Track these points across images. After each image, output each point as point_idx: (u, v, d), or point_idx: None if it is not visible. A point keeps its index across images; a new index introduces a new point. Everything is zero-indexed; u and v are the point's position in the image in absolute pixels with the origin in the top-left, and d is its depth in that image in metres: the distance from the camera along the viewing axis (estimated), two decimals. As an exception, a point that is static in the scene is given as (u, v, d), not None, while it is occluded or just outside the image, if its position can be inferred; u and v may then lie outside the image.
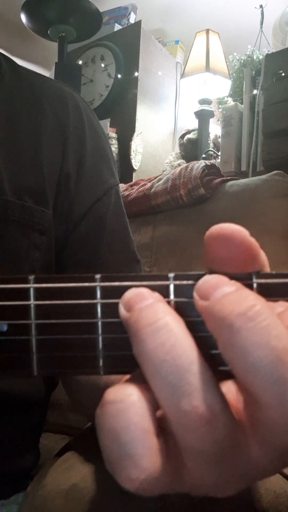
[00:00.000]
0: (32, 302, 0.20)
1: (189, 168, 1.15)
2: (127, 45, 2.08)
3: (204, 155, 1.76)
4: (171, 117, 2.26)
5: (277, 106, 1.43)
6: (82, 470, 0.31)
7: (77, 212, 0.48)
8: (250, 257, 0.19)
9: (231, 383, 0.20)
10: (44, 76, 0.53)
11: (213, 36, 1.90)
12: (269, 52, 1.65)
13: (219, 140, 1.70)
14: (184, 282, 0.19)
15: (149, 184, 1.22)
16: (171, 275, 0.19)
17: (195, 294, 0.18)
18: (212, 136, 1.90)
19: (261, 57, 1.66)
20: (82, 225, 0.48)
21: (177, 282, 0.19)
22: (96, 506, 0.29)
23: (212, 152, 1.78)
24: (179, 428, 0.17)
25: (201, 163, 1.15)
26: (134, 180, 1.51)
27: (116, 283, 0.19)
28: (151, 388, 0.17)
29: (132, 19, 2.33)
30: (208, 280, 0.18)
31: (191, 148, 1.89)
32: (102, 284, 0.20)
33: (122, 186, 1.32)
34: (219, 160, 1.67)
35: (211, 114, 1.88)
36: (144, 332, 0.17)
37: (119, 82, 2.05)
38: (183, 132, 1.99)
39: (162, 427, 0.18)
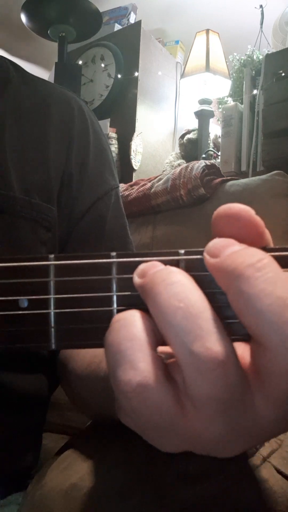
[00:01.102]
0: (51, 278, 0.21)
1: (189, 168, 1.15)
2: (127, 45, 2.08)
3: (204, 155, 1.76)
4: (171, 117, 2.26)
5: (277, 106, 1.43)
6: (81, 469, 0.31)
7: (78, 210, 0.50)
8: (256, 234, 0.21)
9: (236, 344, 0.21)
10: (50, 82, 0.55)
11: (213, 36, 1.90)
12: (269, 52, 1.65)
13: (219, 140, 1.70)
14: (194, 256, 0.20)
15: (149, 184, 1.22)
16: (182, 251, 0.20)
17: (205, 254, 0.20)
18: (212, 136, 1.90)
19: (261, 57, 1.66)
20: (83, 222, 0.50)
21: (187, 257, 0.20)
22: (96, 505, 0.29)
23: (212, 152, 1.78)
24: (192, 371, 0.18)
25: (201, 163, 1.15)
26: (134, 180, 1.51)
27: (130, 259, 0.21)
28: (166, 338, 0.19)
29: (132, 19, 2.33)
30: (218, 241, 0.20)
31: (191, 148, 1.89)
32: (117, 260, 0.21)
33: (122, 186, 1.32)
34: (219, 160, 1.67)
35: (211, 114, 1.88)
36: (159, 286, 0.19)
37: (119, 82, 2.05)
38: (183, 132, 1.99)
39: (170, 374, 0.19)
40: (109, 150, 0.57)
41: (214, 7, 2.38)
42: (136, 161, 1.94)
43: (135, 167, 1.95)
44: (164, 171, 1.74)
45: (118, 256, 0.21)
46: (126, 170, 1.95)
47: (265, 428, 0.20)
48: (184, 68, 1.97)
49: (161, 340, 0.20)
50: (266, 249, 0.20)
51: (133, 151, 1.93)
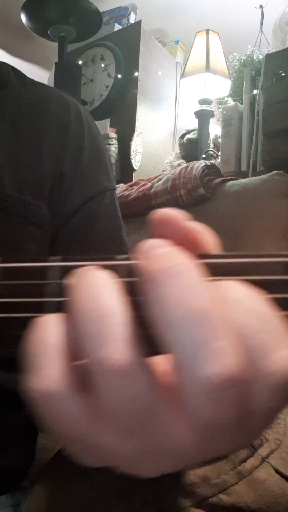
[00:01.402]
0: None
1: (189, 168, 1.15)
2: (127, 45, 2.08)
3: (204, 155, 1.76)
4: (171, 117, 2.26)
5: (277, 106, 1.43)
6: (80, 471, 0.31)
7: (69, 208, 0.51)
8: (189, 241, 0.20)
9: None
10: (49, 86, 0.57)
11: (213, 36, 1.90)
12: (269, 52, 1.65)
13: (219, 140, 1.70)
14: (127, 262, 0.19)
15: (149, 184, 1.22)
16: (119, 256, 0.19)
17: (138, 272, 0.18)
18: (212, 136, 1.90)
19: (261, 57, 1.66)
20: (73, 220, 0.51)
21: (120, 262, 0.19)
22: (95, 506, 0.29)
23: (212, 152, 1.78)
24: (97, 378, 0.17)
25: (201, 163, 1.15)
26: (134, 180, 1.51)
27: (65, 263, 0.19)
28: (77, 342, 0.18)
29: (132, 19, 2.33)
30: (149, 242, 0.18)
31: (191, 148, 1.89)
32: (61, 264, 0.20)
33: (122, 186, 1.32)
34: (219, 160, 1.67)
35: (211, 114, 1.88)
36: (76, 286, 0.18)
37: (119, 82, 2.05)
38: (183, 132, 1.99)
39: (84, 384, 0.18)
40: (106, 153, 0.58)
41: (214, 7, 2.38)
42: (136, 161, 1.94)
43: (135, 167, 1.95)
44: (164, 171, 1.74)
45: (62, 260, 0.20)
46: (126, 170, 1.95)
47: (186, 452, 0.18)
48: (184, 68, 1.97)
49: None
50: (201, 255, 0.19)
51: (133, 151, 1.93)
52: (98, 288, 0.18)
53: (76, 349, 0.18)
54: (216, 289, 0.17)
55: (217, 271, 0.18)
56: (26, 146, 0.48)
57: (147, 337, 0.17)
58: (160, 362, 0.19)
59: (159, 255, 0.17)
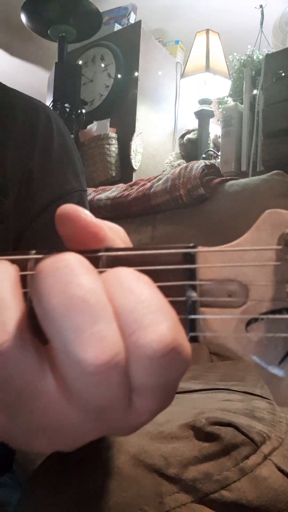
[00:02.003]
0: None
1: (189, 168, 1.16)
2: (127, 45, 2.08)
3: (204, 155, 1.76)
4: (171, 117, 2.26)
5: (277, 106, 1.43)
6: (70, 468, 0.31)
7: (37, 206, 0.52)
8: (90, 235, 0.21)
9: None
10: (20, 92, 0.59)
11: (213, 36, 1.90)
12: (269, 52, 1.65)
13: (219, 140, 1.71)
14: (40, 256, 0.20)
15: (149, 184, 1.22)
16: (33, 251, 0.21)
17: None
18: (212, 136, 1.90)
19: (261, 57, 1.66)
20: (40, 219, 0.52)
21: (35, 256, 0.21)
22: (77, 505, 0.29)
23: (212, 152, 1.78)
24: None
25: (200, 163, 1.16)
26: (134, 180, 1.51)
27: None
28: None
29: (132, 19, 2.33)
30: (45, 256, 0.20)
31: (191, 148, 1.89)
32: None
33: (122, 186, 1.32)
34: (219, 160, 1.67)
35: (211, 114, 1.89)
36: None
37: (119, 82, 2.05)
38: (183, 132, 2.00)
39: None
40: (76, 155, 0.60)
41: (214, 7, 2.38)
42: (136, 161, 1.95)
43: (135, 167, 1.95)
44: (164, 171, 1.74)
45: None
46: (126, 170, 1.95)
47: (74, 430, 0.19)
48: (184, 68, 1.97)
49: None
50: (106, 249, 0.20)
51: (133, 151, 1.93)
52: None
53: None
54: (104, 278, 0.18)
55: (118, 263, 0.20)
56: None
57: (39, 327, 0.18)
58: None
59: (47, 258, 0.18)
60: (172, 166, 1.88)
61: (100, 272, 0.19)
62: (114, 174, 1.93)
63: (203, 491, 0.29)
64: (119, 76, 2.05)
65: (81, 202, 0.57)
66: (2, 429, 0.19)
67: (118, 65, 2.06)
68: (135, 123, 1.99)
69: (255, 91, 1.59)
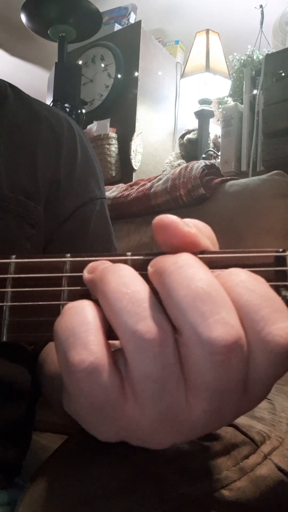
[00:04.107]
0: (9, 275, 0.23)
1: (189, 168, 1.16)
2: (127, 45, 2.08)
3: (204, 155, 1.76)
4: (171, 117, 2.26)
5: (277, 106, 1.43)
6: (83, 466, 0.31)
7: (63, 212, 0.55)
8: (188, 243, 0.22)
9: None
10: (43, 102, 0.61)
11: (213, 36, 1.90)
12: (269, 52, 1.65)
13: (219, 140, 1.70)
14: (139, 257, 0.23)
15: (149, 184, 1.22)
16: (129, 253, 0.23)
17: (149, 267, 0.22)
18: (212, 136, 1.90)
19: (261, 57, 1.66)
20: (67, 224, 0.55)
21: (134, 257, 0.23)
22: (97, 500, 0.29)
23: (212, 152, 1.78)
24: (133, 350, 0.20)
25: (200, 163, 1.16)
26: (134, 180, 1.51)
27: (80, 259, 0.23)
28: (112, 323, 0.21)
29: (132, 19, 2.33)
30: (158, 257, 0.22)
31: (191, 148, 1.89)
32: (69, 259, 0.23)
33: (122, 186, 1.32)
34: (219, 160, 1.67)
35: (211, 114, 1.89)
36: (109, 276, 0.21)
37: (119, 82, 2.05)
38: (183, 132, 1.99)
39: (116, 361, 0.21)
40: (96, 164, 0.62)
41: (214, 7, 2.38)
42: (136, 161, 1.95)
43: (135, 167, 1.95)
44: (164, 171, 1.74)
45: (71, 257, 0.23)
46: (126, 170, 1.95)
47: (196, 421, 0.21)
48: (184, 68, 1.97)
49: (108, 331, 0.21)
50: (200, 252, 0.22)
51: (133, 151, 1.93)
52: (129, 276, 0.21)
53: (107, 329, 0.21)
54: (221, 276, 0.21)
55: (213, 264, 0.22)
56: (21, 155, 0.52)
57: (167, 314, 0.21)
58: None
59: (165, 258, 0.21)
60: (172, 166, 1.88)
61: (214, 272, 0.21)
62: (114, 174, 1.93)
63: (203, 490, 0.29)
64: (119, 76, 2.05)
65: (102, 209, 0.59)
66: (132, 422, 0.21)
67: (118, 65, 2.06)
68: (135, 123, 1.99)
69: (255, 91, 1.59)
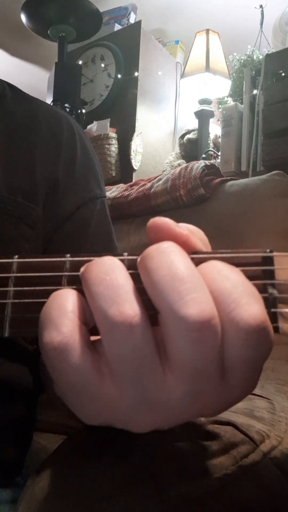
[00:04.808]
0: (12, 274, 0.24)
1: (189, 168, 1.16)
2: (127, 45, 2.08)
3: (204, 155, 1.76)
4: (171, 117, 2.26)
5: (277, 106, 1.44)
6: (82, 465, 0.31)
7: (63, 212, 0.54)
8: (180, 244, 0.23)
9: None
10: (43, 101, 0.61)
11: (213, 36, 1.90)
12: (269, 52, 1.65)
13: (219, 140, 1.71)
14: (135, 257, 0.23)
15: (149, 184, 1.22)
16: (126, 253, 0.24)
17: (138, 258, 0.23)
18: (212, 136, 1.90)
19: (261, 57, 1.66)
20: (67, 224, 0.54)
21: (130, 257, 0.24)
22: (96, 499, 0.29)
23: (212, 152, 1.78)
24: (106, 333, 0.21)
25: (200, 163, 1.16)
26: (134, 180, 1.51)
27: (80, 258, 0.24)
28: (91, 307, 0.22)
29: (132, 19, 2.33)
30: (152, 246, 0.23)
31: (191, 148, 1.89)
32: (69, 259, 0.24)
33: (122, 186, 1.32)
34: (219, 160, 1.67)
35: (211, 114, 1.89)
36: (92, 267, 0.22)
37: (119, 82, 2.05)
38: (183, 132, 1.99)
39: (95, 347, 0.22)
40: (96, 163, 0.62)
41: (214, 7, 2.39)
42: (136, 161, 1.95)
43: (135, 167, 1.95)
44: (164, 171, 1.74)
45: (71, 257, 0.24)
46: (126, 170, 1.95)
47: (175, 404, 0.22)
48: (184, 68, 1.97)
49: (91, 320, 0.22)
50: (190, 253, 0.23)
51: (133, 151, 1.93)
52: (110, 266, 0.22)
53: (87, 315, 0.22)
54: (200, 266, 0.22)
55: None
56: (19, 155, 0.52)
57: (146, 302, 0.22)
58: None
59: (152, 246, 0.22)
60: (172, 166, 1.88)
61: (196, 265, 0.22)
62: (114, 174, 1.93)
63: (202, 490, 0.29)
64: (119, 76, 2.05)
65: (103, 208, 0.59)
66: (110, 404, 0.22)
67: (118, 65, 2.06)
68: (135, 123, 1.99)
69: (255, 91, 1.59)
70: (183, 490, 0.29)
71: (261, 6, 2.12)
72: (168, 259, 0.21)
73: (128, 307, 0.21)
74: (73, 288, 0.23)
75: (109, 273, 0.22)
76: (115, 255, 0.24)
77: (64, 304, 0.22)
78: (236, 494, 0.30)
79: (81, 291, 0.23)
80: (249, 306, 0.21)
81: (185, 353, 0.21)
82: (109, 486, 0.29)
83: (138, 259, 0.23)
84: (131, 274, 0.23)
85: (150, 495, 0.28)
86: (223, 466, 0.31)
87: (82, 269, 0.23)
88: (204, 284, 0.21)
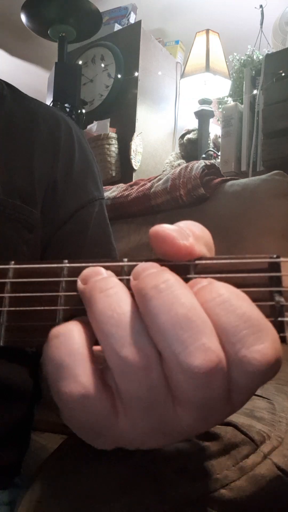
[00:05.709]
0: (8, 280, 0.23)
1: (189, 168, 1.16)
2: (127, 45, 2.08)
3: (204, 155, 1.76)
4: (171, 117, 2.26)
5: (277, 106, 1.43)
6: (82, 466, 0.31)
7: (62, 215, 0.54)
8: (183, 255, 0.23)
9: None
10: (41, 102, 0.60)
11: (213, 36, 1.90)
12: (269, 52, 1.65)
13: (219, 140, 1.70)
14: (135, 263, 0.23)
15: (149, 184, 1.22)
16: (125, 259, 0.23)
17: (130, 277, 0.22)
18: (212, 136, 1.90)
19: (261, 57, 1.66)
20: (66, 227, 0.54)
21: (130, 263, 0.23)
22: (97, 499, 0.29)
23: (212, 152, 1.78)
24: (120, 374, 0.21)
25: (200, 163, 1.16)
26: (134, 180, 1.51)
27: (77, 264, 0.23)
28: (100, 342, 0.21)
29: (132, 19, 2.33)
30: (141, 265, 0.22)
31: (191, 148, 1.89)
32: (67, 265, 0.23)
33: (122, 186, 1.32)
34: (219, 160, 1.67)
35: (211, 114, 1.89)
36: (97, 295, 0.21)
37: (119, 82, 2.05)
38: (183, 132, 1.99)
39: (105, 380, 0.22)
40: (94, 164, 0.61)
41: (214, 7, 2.38)
42: (136, 161, 1.95)
43: (135, 167, 1.95)
44: (164, 171, 1.74)
45: (69, 263, 0.24)
46: (126, 170, 1.95)
47: (185, 428, 0.22)
48: (184, 68, 1.97)
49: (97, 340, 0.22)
50: (195, 259, 0.23)
51: (133, 151, 1.93)
52: (117, 297, 0.21)
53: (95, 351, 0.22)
54: (202, 294, 0.21)
55: (208, 270, 0.23)
56: (18, 157, 0.51)
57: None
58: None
59: (147, 275, 0.21)
60: (172, 166, 1.88)
61: (199, 287, 0.21)
62: (114, 174, 1.93)
63: (202, 490, 0.29)
64: (119, 76, 2.05)
65: (101, 210, 0.59)
66: (125, 435, 0.22)
67: (118, 65, 2.06)
68: (135, 123, 1.99)
69: (255, 91, 1.59)
70: (183, 490, 0.29)
71: (261, 6, 2.12)
72: (168, 301, 0.20)
73: (140, 347, 0.20)
74: (73, 318, 0.22)
75: (116, 308, 0.21)
76: (114, 260, 0.23)
77: (75, 348, 0.21)
78: (237, 495, 0.30)
79: (83, 321, 0.22)
80: (254, 346, 0.20)
81: (192, 396, 0.20)
82: (109, 487, 0.29)
83: (133, 282, 0.22)
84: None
85: (150, 495, 0.28)
86: (223, 466, 0.31)
87: (80, 284, 0.22)
88: (209, 323, 0.20)
